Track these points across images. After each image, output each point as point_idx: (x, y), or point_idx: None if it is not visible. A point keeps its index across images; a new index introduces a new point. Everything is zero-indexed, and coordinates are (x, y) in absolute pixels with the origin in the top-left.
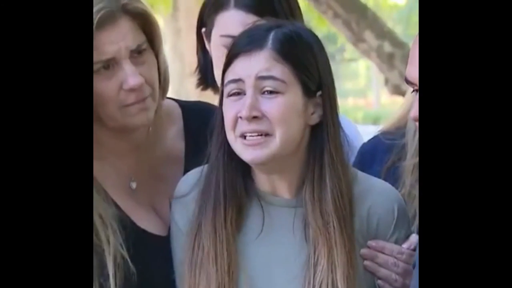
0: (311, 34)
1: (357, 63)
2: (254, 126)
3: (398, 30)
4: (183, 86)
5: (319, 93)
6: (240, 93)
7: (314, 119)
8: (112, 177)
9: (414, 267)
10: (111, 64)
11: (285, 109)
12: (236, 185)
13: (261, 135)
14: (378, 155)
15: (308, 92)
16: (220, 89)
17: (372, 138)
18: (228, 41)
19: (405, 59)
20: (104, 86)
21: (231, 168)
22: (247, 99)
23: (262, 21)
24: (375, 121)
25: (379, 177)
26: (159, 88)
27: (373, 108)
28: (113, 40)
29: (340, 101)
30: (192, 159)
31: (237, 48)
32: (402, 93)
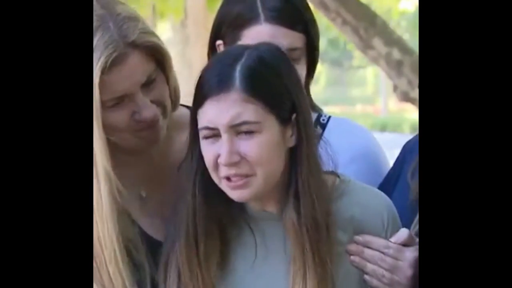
0: (276, 52)
1: (365, 70)
2: (234, 170)
3: (407, 37)
4: (192, 93)
5: (294, 115)
6: (216, 135)
7: (293, 140)
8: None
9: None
10: (122, 99)
11: (264, 148)
12: (215, 214)
13: (244, 176)
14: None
15: (284, 120)
16: (191, 122)
17: (415, 136)
18: None
19: (414, 66)
20: (116, 117)
21: (206, 198)
22: (224, 145)
23: (226, 51)
24: (383, 128)
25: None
26: (170, 103)
27: (381, 115)
28: (123, 78)
29: (349, 108)
30: None
31: (206, 89)
32: (411, 100)
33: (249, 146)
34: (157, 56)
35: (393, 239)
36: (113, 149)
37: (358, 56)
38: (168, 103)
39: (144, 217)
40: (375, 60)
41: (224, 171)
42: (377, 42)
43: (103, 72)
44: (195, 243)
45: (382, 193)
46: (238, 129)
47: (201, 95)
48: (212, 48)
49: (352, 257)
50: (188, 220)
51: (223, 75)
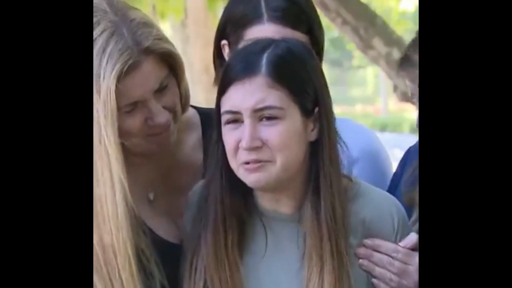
0: (303, 47)
1: (365, 70)
2: (254, 155)
3: (408, 36)
4: (192, 93)
5: (316, 109)
6: (238, 121)
7: (314, 135)
8: (129, 187)
9: None
10: (135, 105)
11: (285, 135)
12: (236, 207)
13: (262, 161)
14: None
15: (306, 111)
16: (215, 112)
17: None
18: None
19: None
20: (129, 123)
21: (230, 189)
22: (246, 129)
23: (254, 41)
24: (383, 128)
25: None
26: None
27: (381, 115)
28: (136, 85)
29: (348, 108)
30: None
31: (231, 75)
32: (411, 100)
33: (271, 132)
34: (170, 62)
35: (402, 244)
36: (124, 153)
37: (358, 56)
38: (179, 108)
39: (153, 218)
40: (375, 60)
41: (244, 156)
42: (377, 42)
43: (119, 80)
44: (224, 232)
45: (392, 197)
46: (261, 114)
47: (226, 82)
48: (217, 47)
49: (360, 260)
50: (217, 210)
51: (249, 61)
